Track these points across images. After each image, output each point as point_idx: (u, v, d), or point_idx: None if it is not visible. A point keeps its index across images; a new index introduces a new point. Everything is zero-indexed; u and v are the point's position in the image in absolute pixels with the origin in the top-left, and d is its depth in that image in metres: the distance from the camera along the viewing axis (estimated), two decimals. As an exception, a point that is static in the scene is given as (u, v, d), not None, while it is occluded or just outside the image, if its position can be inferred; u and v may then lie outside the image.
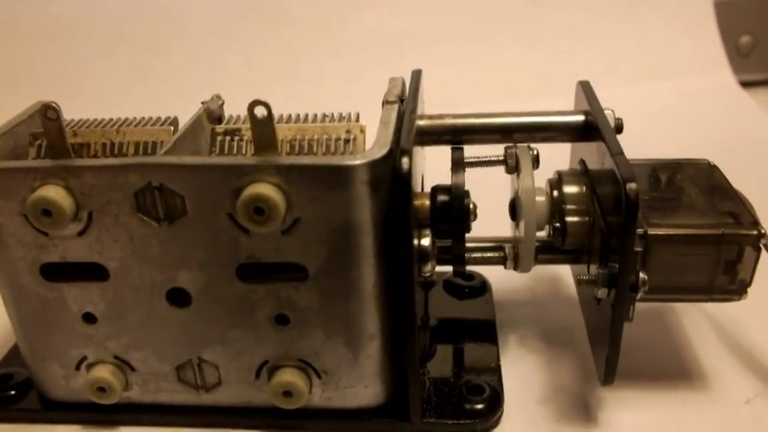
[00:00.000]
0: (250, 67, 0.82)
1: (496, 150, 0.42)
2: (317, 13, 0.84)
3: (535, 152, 0.41)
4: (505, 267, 0.43)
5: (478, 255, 0.43)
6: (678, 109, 0.79)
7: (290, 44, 0.82)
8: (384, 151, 0.33)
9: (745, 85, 0.84)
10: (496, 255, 0.43)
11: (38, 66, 0.82)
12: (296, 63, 0.82)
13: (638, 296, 0.36)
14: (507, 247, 0.43)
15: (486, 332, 0.46)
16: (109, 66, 0.81)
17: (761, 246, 0.37)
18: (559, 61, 0.82)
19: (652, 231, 0.37)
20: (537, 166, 0.40)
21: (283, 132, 0.37)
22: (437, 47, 0.83)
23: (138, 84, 0.80)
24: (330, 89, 0.79)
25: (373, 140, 0.35)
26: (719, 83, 0.83)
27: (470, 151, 0.41)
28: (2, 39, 0.82)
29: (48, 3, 0.82)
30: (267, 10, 0.83)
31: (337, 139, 0.37)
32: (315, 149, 0.37)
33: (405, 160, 0.33)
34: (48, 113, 0.34)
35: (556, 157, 0.45)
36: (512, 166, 0.41)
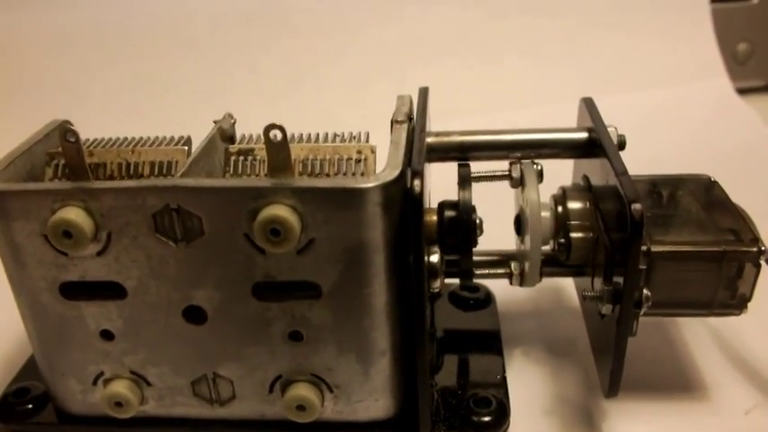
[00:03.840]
0: (255, 76, 0.83)
1: (502, 165, 0.43)
2: (321, 23, 0.84)
3: (539, 167, 0.41)
4: (511, 284, 0.43)
5: (485, 271, 0.44)
6: (675, 116, 0.80)
7: (295, 54, 0.83)
8: (396, 173, 0.34)
9: (742, 92, 0.85)
10: (502, 270, 0.44)
11: (44, 76, 0.82)
12: (300, 73, 0.83)
13: (642, 312, 0.37)
14: (513, 264, 0.43)
15: (492, 343, 0.47)
16: (114, 76, 0.81)
17: (761, 262, 0.38)
18: (558, 70, 0.83)
19: (655, 248, 0.38)
20: (541, 181, 0.41)
21: (296, 152, 0.38)
22: (440, 56, 0.83)
23: (144, 94, 0.81)
24: (335, 99, 0.80)
25: (383, 159, 0.36)
26: (716, 90, 0.84)
27: (476, 166, 0.42)
28: (9, 49, 0.82)
29: (53, 13, 0.82)
30: (272, 20, 0.84)
31: (348, 159, 0.38)
32: (327, 169, 0.37)
33: (417, 182, 0.34)
34: (67, 136, 0.35)
35: (559, 172, 0.46)
36: (516, 179, 0.42)
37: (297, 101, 0.79)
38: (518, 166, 0.41)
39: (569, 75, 0.81)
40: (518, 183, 0.42)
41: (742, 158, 0.73)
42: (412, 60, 0.82)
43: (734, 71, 0.86)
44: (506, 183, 0.43)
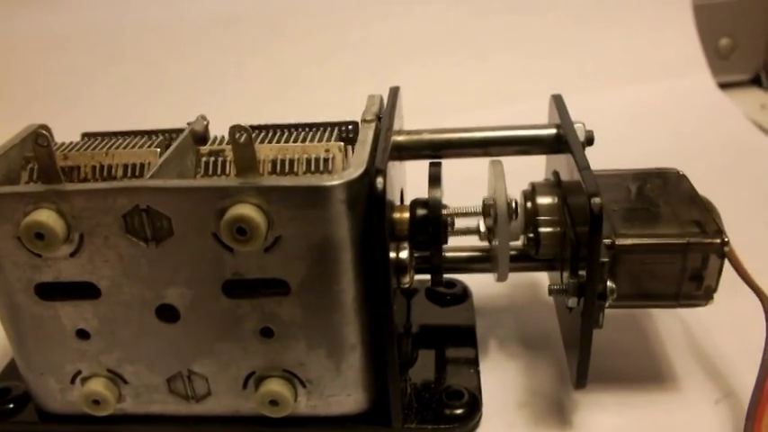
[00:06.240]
0: (241, 79, 0.83)
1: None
2: (307, 24, 0.85)
3: (513, 204, 0.41)
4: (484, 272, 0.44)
5: (461, 264, 0.45)
6: (658, 111, 0.80)
7: (281, 56, 0.84)
8: (360, 171, 0.35)
9: (724, 86, 0.85)
10: (477, 264, 0.45)
11: (30, 79, 0.83)
12: (286, 73, 0.83)
13: (607, 304, 0.38)
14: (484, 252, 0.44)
15: (467, 338, 0.47)
16: (101, 80, 0.82)
17: (725, 253, 0.39)
18: (541, 66, 0.83)
19: (620, 242, 0.38)
20: (516, 217, 0.41)
21: (265, 152, 0.38)
22: (423, 54, 0.84)
23: (130, 97, 0.82)
24: (320, 100, 0.81)
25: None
26: (699, 85, 0.84)
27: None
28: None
29: (40, 17, 0.83)
30: (258, 23, 0.85)
31: (317, 159, 0.38)
32: (296, 168, 0.38)
33: (379, 180, 0.34)
34: (38, 140, 0.35)
35: (533, 168, 0.47)
36: (490, 223, 0.42)
37: (283, 102, 0.80)
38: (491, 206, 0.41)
39: (551, 72, 0.81)
40: (492, 222, 0.41)
41: (724, 153, 0.73)
42: (398, 61, 0.83)
43: (716, 66, 0.86)
44: (482, 183, 0.43)
